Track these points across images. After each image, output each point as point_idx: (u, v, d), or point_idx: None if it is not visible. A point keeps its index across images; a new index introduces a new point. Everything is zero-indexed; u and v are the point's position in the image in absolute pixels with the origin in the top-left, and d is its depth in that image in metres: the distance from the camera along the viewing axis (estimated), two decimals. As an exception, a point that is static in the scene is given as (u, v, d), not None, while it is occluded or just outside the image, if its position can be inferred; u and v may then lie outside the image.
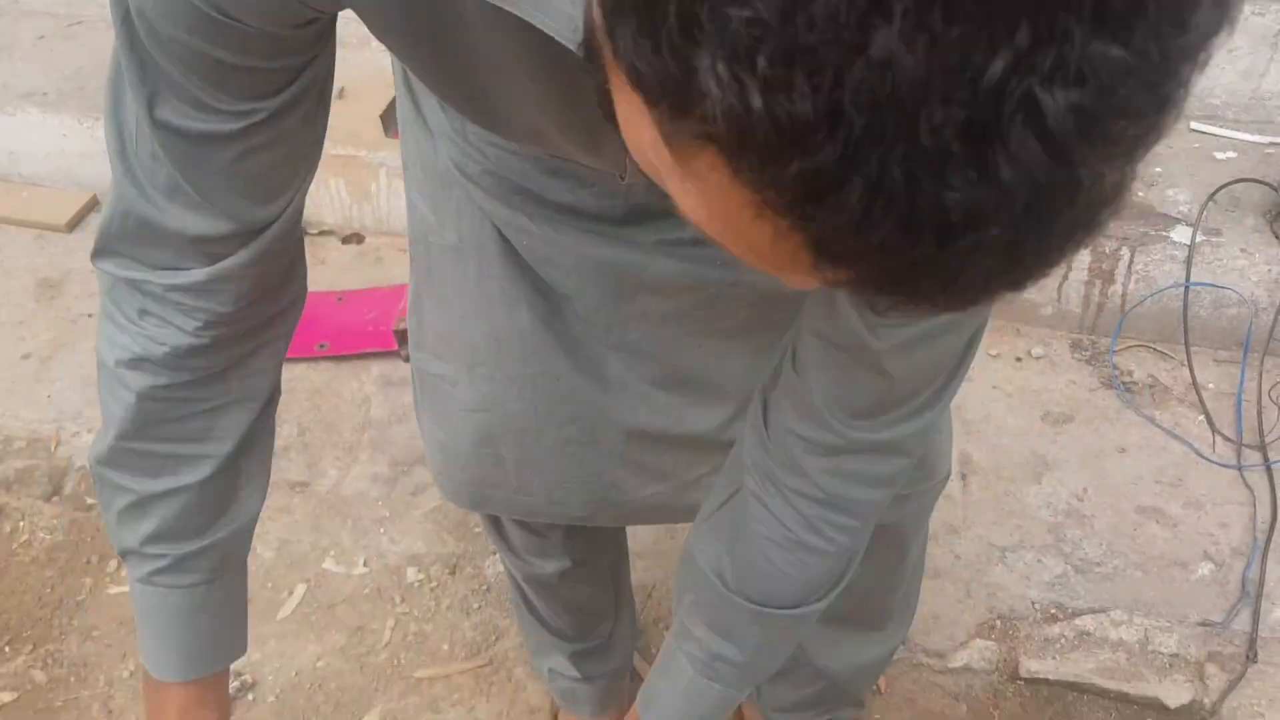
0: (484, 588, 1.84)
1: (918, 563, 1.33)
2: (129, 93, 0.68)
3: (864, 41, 0.34)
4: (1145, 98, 0.36)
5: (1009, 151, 0.35)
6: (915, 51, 0.34)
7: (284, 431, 2.12)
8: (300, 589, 1.85)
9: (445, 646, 1.76)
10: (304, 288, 0.90)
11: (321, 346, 2.29)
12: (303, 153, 0.76)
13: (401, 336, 2.26)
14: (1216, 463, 1.98)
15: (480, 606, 1.81)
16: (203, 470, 0.85)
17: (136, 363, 0.80)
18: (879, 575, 1.21)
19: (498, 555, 1.84)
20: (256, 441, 0.90)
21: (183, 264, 0.77)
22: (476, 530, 1.92)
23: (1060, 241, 0.40)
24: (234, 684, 1.70)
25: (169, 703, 0.91)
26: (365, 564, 1.88)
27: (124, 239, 0.76)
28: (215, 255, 0.76)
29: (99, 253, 0.79)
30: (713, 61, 0.36)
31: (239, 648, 0.96)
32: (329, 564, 1.89)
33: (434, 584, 1.85)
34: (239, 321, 0.82)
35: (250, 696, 1.70)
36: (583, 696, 1.55)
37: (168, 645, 0.89)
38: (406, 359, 2.24)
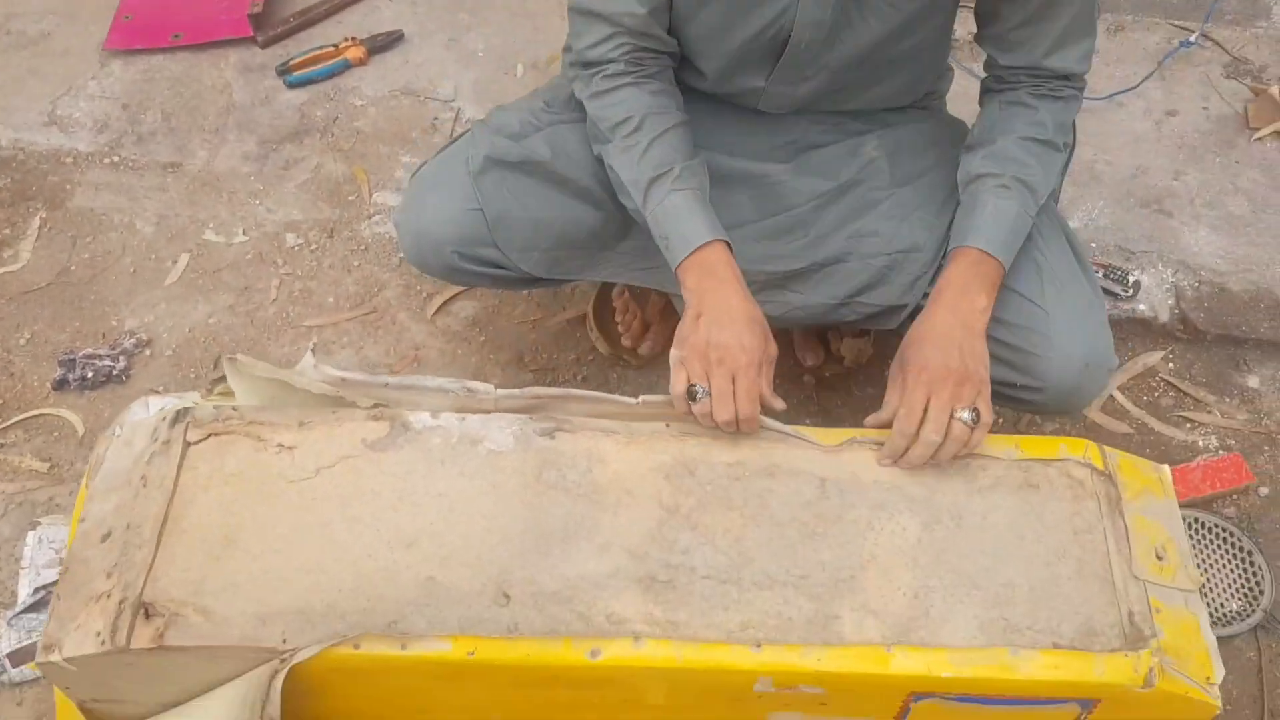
0: (362, 248, 1.96)
1: None
2: None
3: None
4: None
5: None
6: None
7: (147, 119, 2.15)
8: (184, 258, 1.95)
9: (330, 299, 1.90)
10: None
11: (176, 37, 2.28)
12: None
13: (256, 21, 2.27)
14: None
15: (360, 264, 1.94)
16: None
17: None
18: None
19: (376, 218, 1.96)
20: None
21: None
22: (351, 198, 2.03)
23: None
24: (129, 341, 1.82)
25: (712, 259, 1.26)
26: (244, 233, 1.98)
27: None
28: None
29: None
30: None
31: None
32: (209, 234, 1.98)
33: (313, 247, 1.96)
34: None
35: (148, 352, 1.82)
36: None
37: (698, 224, 1.27)
38: (263, 45, 2.27)
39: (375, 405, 1.27)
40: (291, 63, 2.21)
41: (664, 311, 1.77)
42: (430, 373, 1.78)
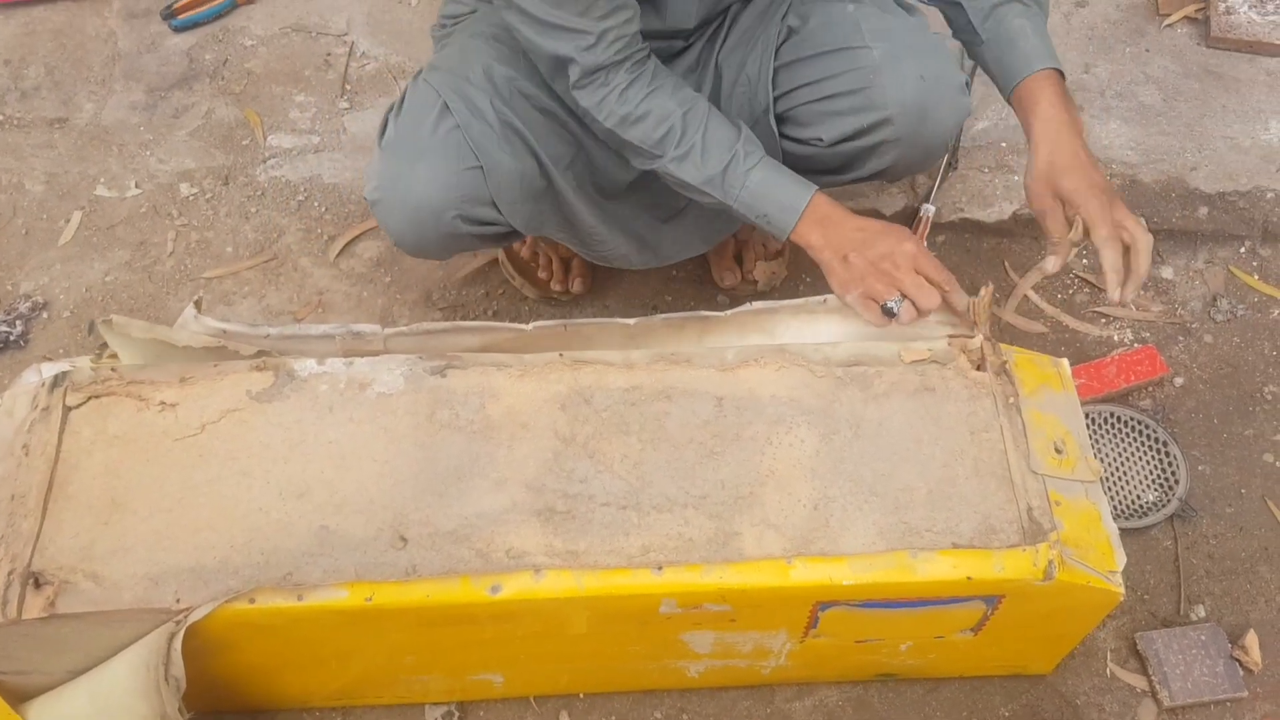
0: (259, 193, 1.90)
1: None
2: None
3: None
4: None
5: None
6: None
7: (30, 73, 2.06)
8: (76, 216, 1.88)
9: (229, 249, 1.84)
10: None
11: (55, -15, 2.18)
12: None
13: (137, -37, 2.17)
14: None
15: (258, 211, 1.88)
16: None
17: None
18: None
19: (271, 162, 1.90)
20: None
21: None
22: (245, 143, 1.96)
23: None
24: (25, 305, 1.76)
25: (820, 212, 1.27)
26: (137, 185, 1.92)
27: None
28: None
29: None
30: None
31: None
32: (101, 190, 1.92)
33: (209, 195, 1.90)
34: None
35: (45, 315, 1.77)
36: None
37: (789, 190, 1.28)
38: (147, -13, 2.18)
39: (259, 354, 1.24)
40: (176, 5, 2.12)
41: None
42: (336, 318, 1.74)
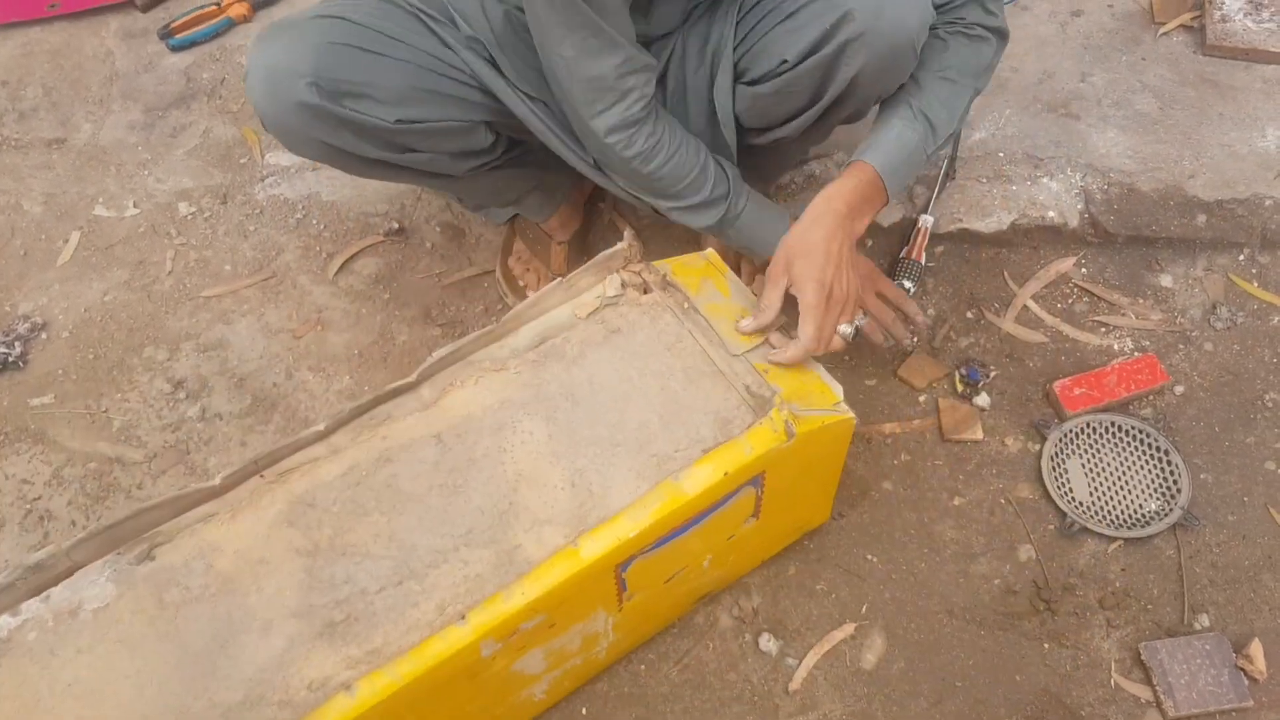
0: (257, 211, 1.90)
1: None
2: None
3: None
4: None
5: None
6: None
7: (28, 94, 2.07)
8: (75, 236, 1.89)
9: (228, 267, 1.85)
10: None
11: (53, 6, 2.19)
12: None
13: (134, -17, 2.18)
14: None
15: (256, 229, 1.89)
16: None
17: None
18: None
19: (270, 180, 1.91)
20: None
21: None
22: (243, 161, 1.97)
23: None
24: (24, 326, 1.76)
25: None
26: (135, 205, 1.92)
27: None
28: None
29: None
30: None
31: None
32: (99, 210, 1.92)
33: (207, 214, 1.90)
34: None
35: (44, 336, 1.77)
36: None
37: (769, 227, 1.48)
38: (143, 9, 2.19)
39: None
40: (173, 25, 2.13)
41: (569, 261, 1.75)
42: (335, 335, 1.74)
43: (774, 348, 1.27)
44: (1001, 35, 1.44)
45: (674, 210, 1.45)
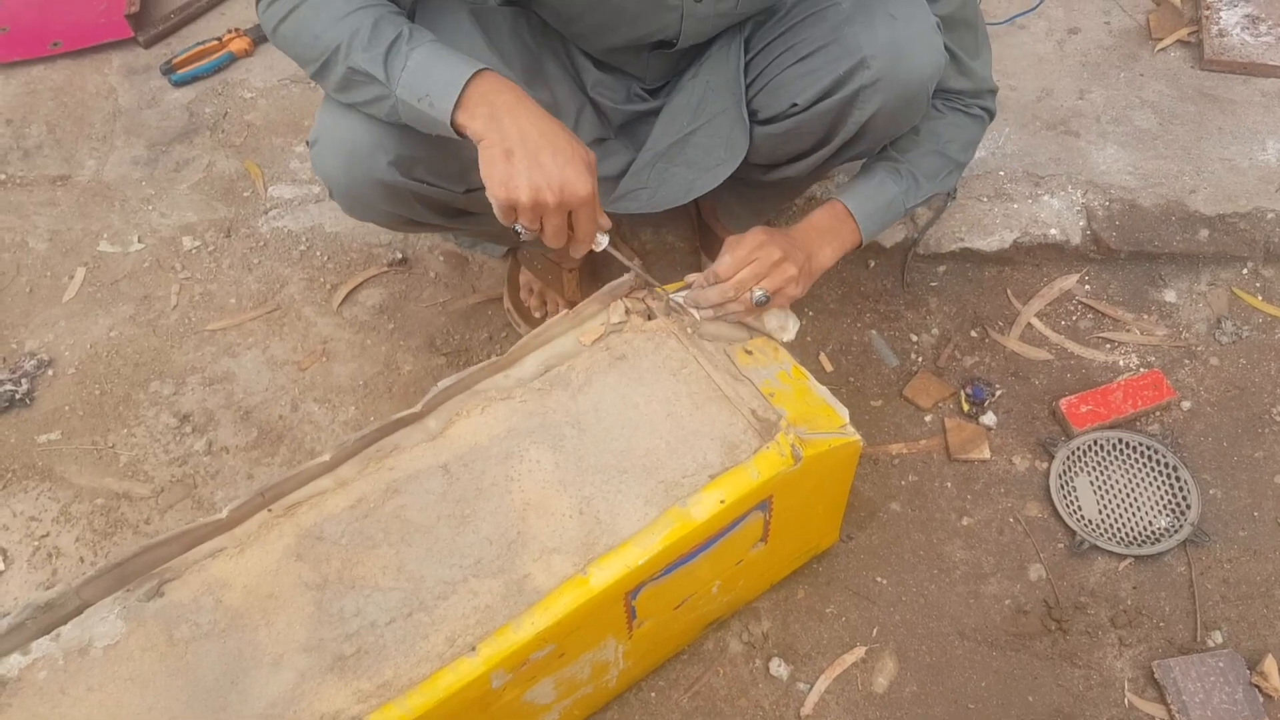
0: (261, 244, 1.91)
1: None
2: None
3: None
4: None
5: None
6: None
7: (32, 131, 2.08)
8: (80, 272, 1.89)
9: (232, 301, 1.85)
10: None
11: (55, 45, 2.21)
12: None
13: (135, 21, 2.20)
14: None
15: (260, 262, 1.89)
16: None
17: None
18: None
19: (273, 213, 1.91)
20: None
21: None
22: (246, 195, 1.97)
23: None
24: (30, 363, 1.77)
25: (490, 87, 1.13)
26: (140, 240, 1.93)
27: None
28: None
29: None
30: None
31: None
32: (104, 246, 1.93)
33: (211, 248, 1.91)
34: None
35: (50, 373, 1.77)
36: None
37: (454, 64, 1.13)
38: (145, 45, 2.21)
39: None
40: (175, 60, 2.14)
41: (581, 287, 1.75)
42: (341, 367, 1.75)
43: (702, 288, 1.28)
44: (993, 116, 1.50)
45: (331, 92, 1.23)
